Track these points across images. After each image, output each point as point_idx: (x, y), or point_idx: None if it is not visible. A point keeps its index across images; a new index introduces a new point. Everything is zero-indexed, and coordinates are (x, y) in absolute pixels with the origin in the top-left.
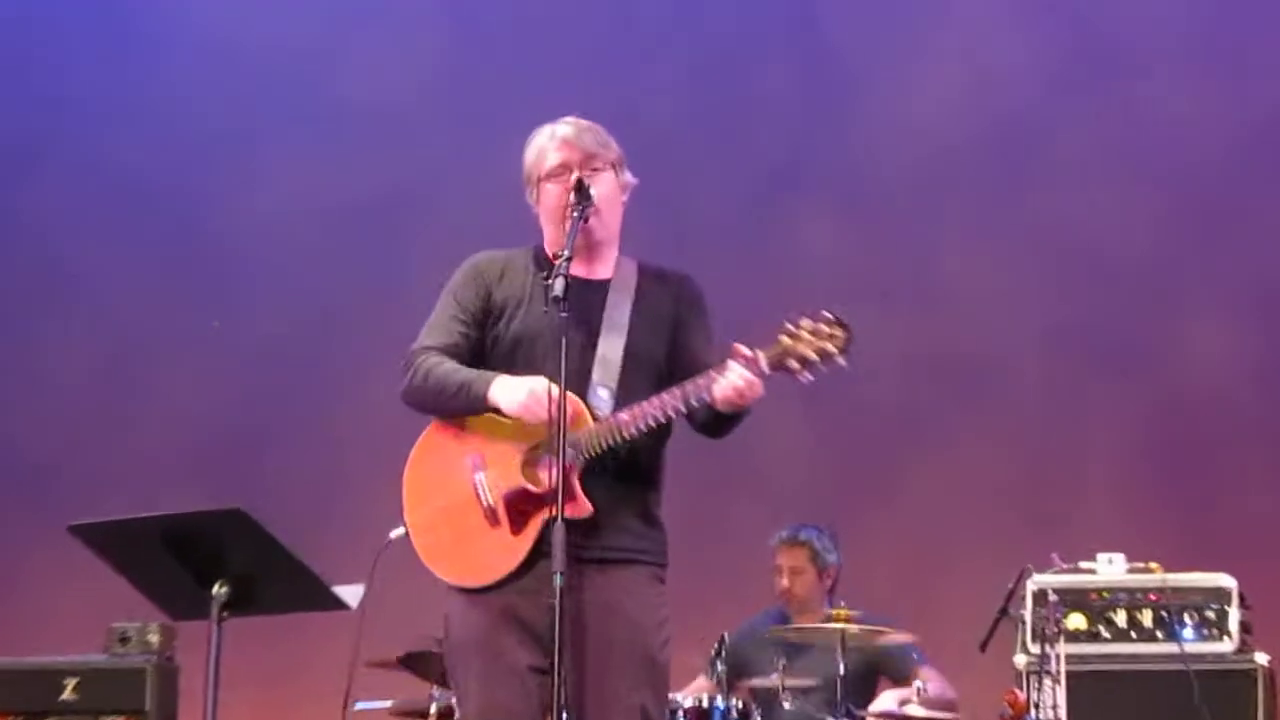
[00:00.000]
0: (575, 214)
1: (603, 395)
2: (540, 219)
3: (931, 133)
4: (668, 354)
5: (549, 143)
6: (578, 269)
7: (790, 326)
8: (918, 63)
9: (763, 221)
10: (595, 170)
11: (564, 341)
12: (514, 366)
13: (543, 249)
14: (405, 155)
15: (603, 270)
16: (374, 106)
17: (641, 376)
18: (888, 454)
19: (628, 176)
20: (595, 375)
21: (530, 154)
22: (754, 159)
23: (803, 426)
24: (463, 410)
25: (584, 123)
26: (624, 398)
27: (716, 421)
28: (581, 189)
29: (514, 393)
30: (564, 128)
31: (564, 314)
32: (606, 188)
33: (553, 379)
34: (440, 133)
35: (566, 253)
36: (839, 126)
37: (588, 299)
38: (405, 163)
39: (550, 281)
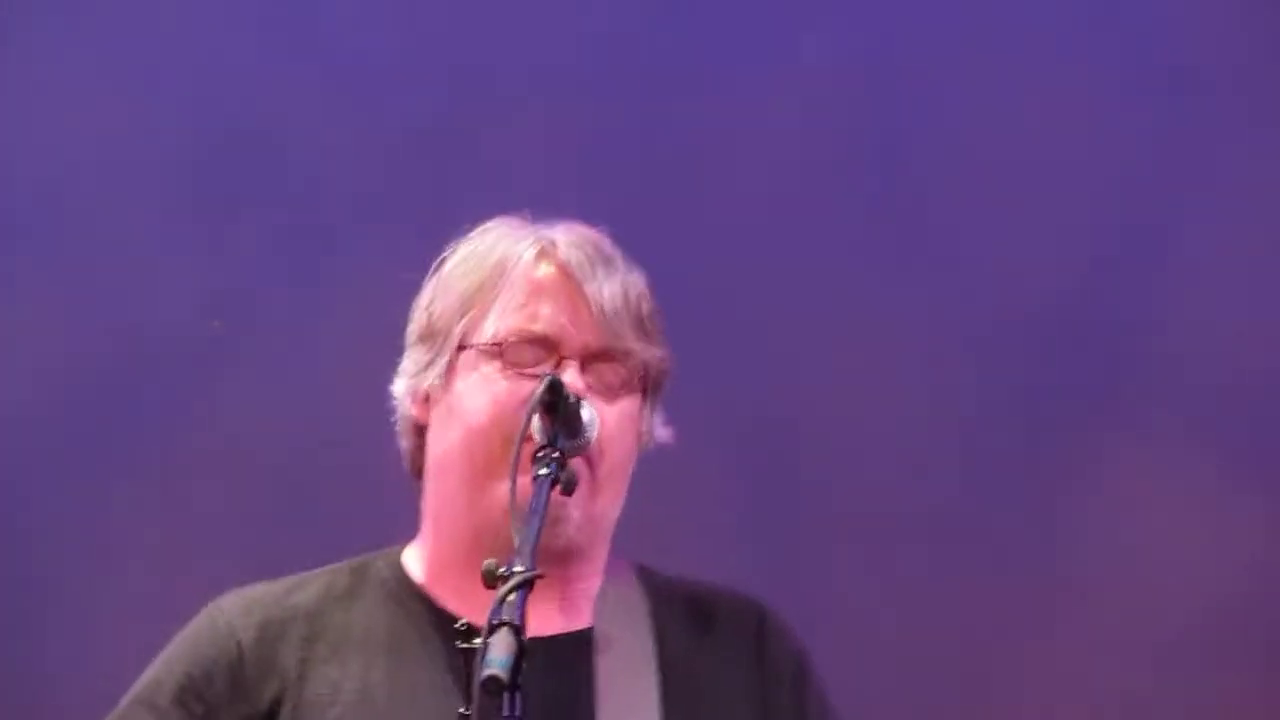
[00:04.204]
0: (544, 470)
1: None
2: (429, 453)
3: None
4: None
5: (524, 266)
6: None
7: None
8: None
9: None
10: (605, 385)
11: None
12: None
13: (400, 563)
14: None
15: (572, 611)
16: None
17: None
18: None
19: (659, 422)
20: None
21: (458, 274)
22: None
23: None
24: None
25: (612, 251)
26: None
27: None
28: (560, 406)
29: None
30: (573, 249)
31: None
32: (617, 426)
33: None
34: None
35: (520, 568)
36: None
37: (538, 690)
38: None
39: (477, 645)
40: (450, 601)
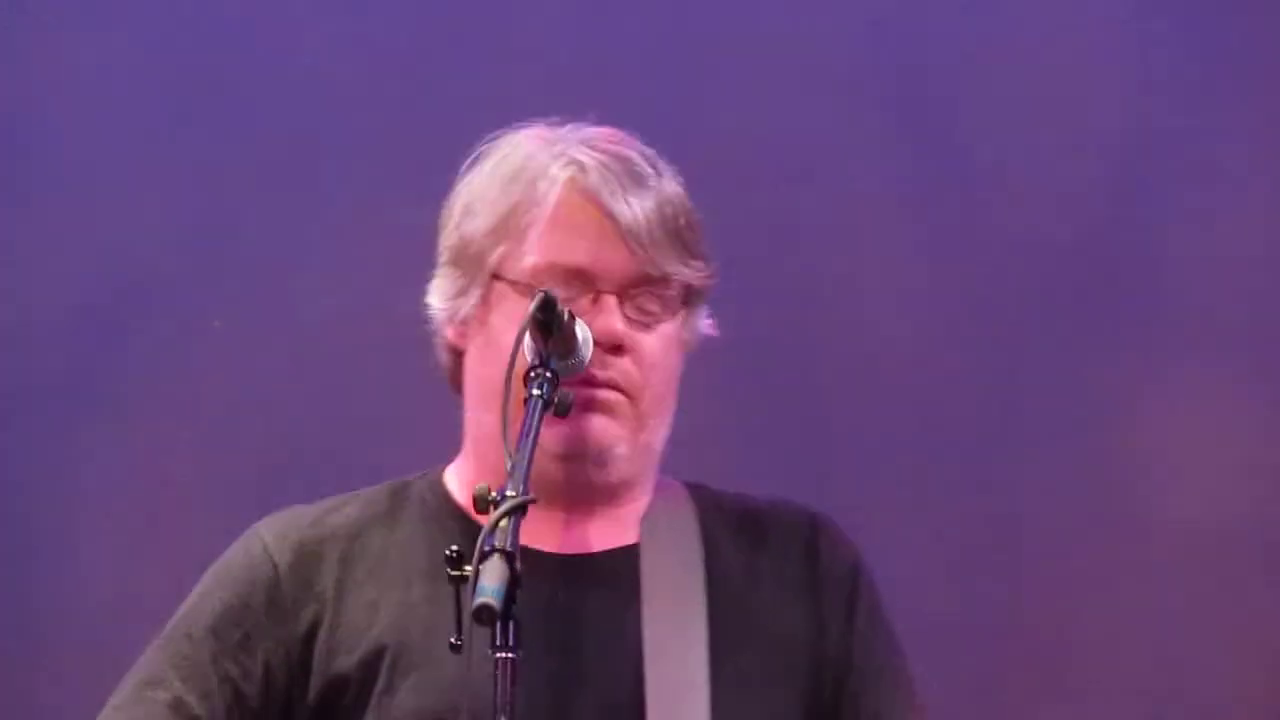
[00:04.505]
0: (536, 391)
1: None
2: (467, 381)
3: None
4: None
5: (554, 196)
6: (548, 535)
7: None
8: None
9: None
10: (645, 315)
11: None
12: None
13: (441, 483)
14: None
15: (619, 528)
16: None
17: None
18: None
19: (701, 321)
20: None
21: (488, 196)
22: None
23: None
24: None
25: (645, 165)
26: None
27: None
28: (554, 325)
29: None
30: (602, 172)
31: (505, 653)
32: (659, 353)
33: None
34: None
35: (513, 494)
36: None
37: (583, 606)
38: None
39: (463, 571)
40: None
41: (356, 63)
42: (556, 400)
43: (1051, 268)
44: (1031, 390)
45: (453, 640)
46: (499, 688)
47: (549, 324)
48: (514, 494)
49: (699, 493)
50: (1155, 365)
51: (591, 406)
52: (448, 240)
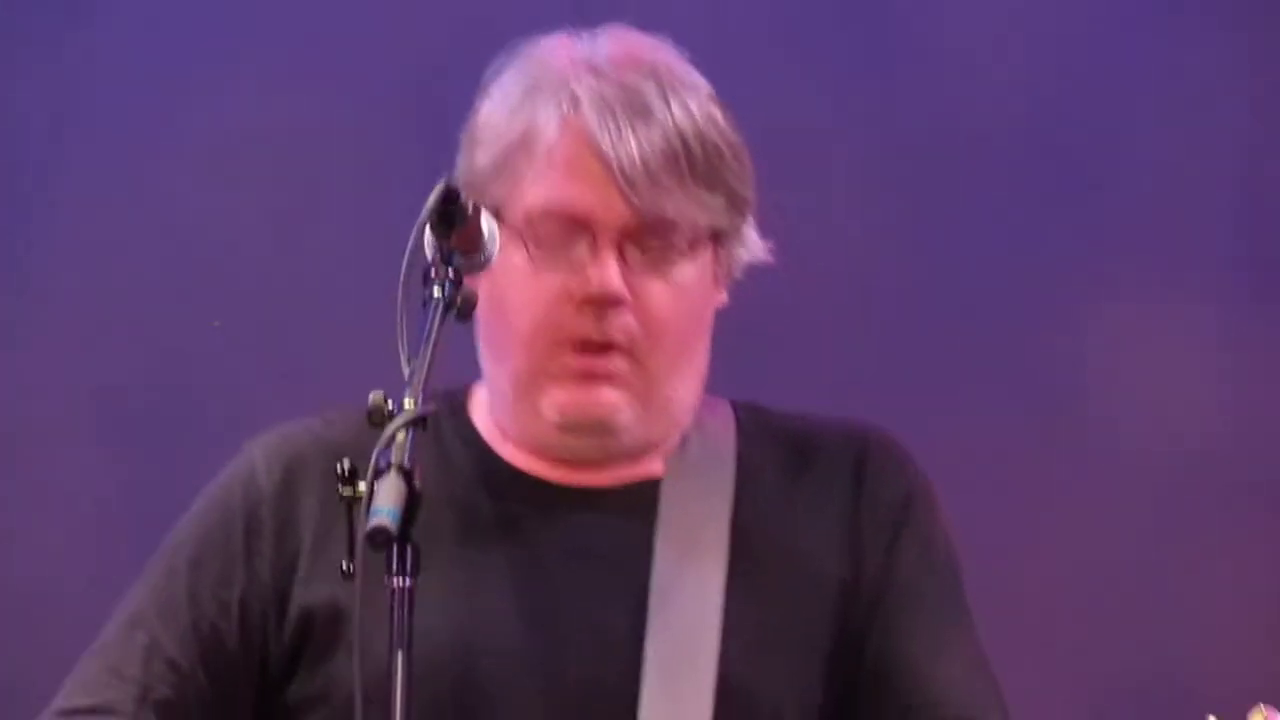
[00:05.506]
0: (436, 291)
1: None
2: (481, 324)
3: None
4: (834, 673)
5: (547, 139)
6: (556, 468)
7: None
8: None
9: None
10: (651, 262)
11: None
12: None
13: (462, 408)
14: None
15: (644, 464)
16: None
17: None
18: None
19: (743, 251)
20: None
21: (490, 131)
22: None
23: None
24: None
25: (655, 92)
26: None
27: None
28: (456, 217)
29: None
30: (599, 107)
31: (402, 580)
32: (670, 303)
33: None
34: None
35: (410, 405)
36: None
37: (589, 539)
38: None
39: (356, 490)
40: (516, 459)
41: (357, 58)
42: (460, 301)
43: (1000, 158)
44: (975, 294)
45: (342, 567)
46: (395, 618)
47: (451, 217)
48: (411, 405)
49: (748, 416)
50: (1109, 274)
51: (587, 376)
52: (460, 164)
